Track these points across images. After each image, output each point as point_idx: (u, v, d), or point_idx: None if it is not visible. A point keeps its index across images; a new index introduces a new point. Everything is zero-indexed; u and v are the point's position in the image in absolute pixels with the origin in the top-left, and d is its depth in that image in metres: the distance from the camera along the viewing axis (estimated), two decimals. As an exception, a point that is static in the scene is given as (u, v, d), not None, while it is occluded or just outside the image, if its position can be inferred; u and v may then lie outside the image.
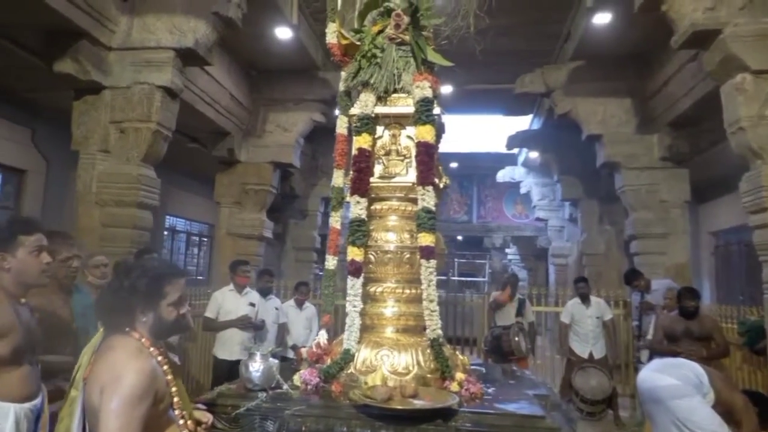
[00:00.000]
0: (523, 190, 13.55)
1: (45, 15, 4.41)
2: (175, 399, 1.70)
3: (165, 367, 1.69)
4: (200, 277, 12.92)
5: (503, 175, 13.91)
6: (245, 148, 8.04)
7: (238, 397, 2.26)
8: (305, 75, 7.68)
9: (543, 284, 11.85)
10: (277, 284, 7.78)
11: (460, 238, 18.67)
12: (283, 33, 6.57)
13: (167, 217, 12.02)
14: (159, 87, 4.99)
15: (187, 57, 5.15)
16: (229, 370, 4.38)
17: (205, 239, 13.83)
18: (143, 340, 1.66)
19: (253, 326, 4.91)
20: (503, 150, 12.19)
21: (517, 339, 5.74)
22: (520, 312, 6.13)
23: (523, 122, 11.54)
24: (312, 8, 6.69)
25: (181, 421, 1.70)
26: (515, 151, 12.87)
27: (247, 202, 8.07)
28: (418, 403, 2.11)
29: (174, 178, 11.25)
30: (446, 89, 8.66)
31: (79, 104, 5.12)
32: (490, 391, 2.49)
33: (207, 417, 1.93)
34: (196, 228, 13.69)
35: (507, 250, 18.38)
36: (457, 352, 2.86)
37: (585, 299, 6.22)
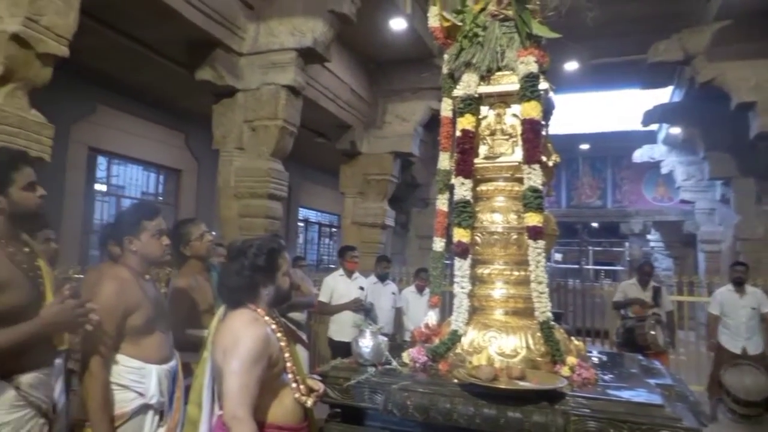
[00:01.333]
0: (664, 170, 12.39)
1: (187, 29, 4.99)
2: (288, 364, 1.87)
3: (279, 335, 1.87)
4: (332, 266, 13.67)
5: (641, 155, 12.83)
6: (366, 140, 8.34)
7: (349, 370, 2.40)
8: (421, 64, 7.73)
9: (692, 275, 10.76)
10: (400, 271, 8.01)
11: (594, 224, 17.56)
12: (398, 24, 6.69)
13: (300, 209, 12.91)
14: (283, 86, 5.38)
15: (308, 56, 5.49)
16: (347, 352, 4.56)
17: (335, 229, 14.59)
18: (258, 310, 1.85)
19: (363, 309, 5.11)
20: (639, 127, 11.22)
21: (653, 332, 5.26)
22: (656, 301, 5.61)
23: (663, 95, 10.50)
24: (425, -4, 6.71)
25: (294, 385, 1.86)
26: (654, 127, 11.78)
27: (370, 191, 8.37)
28: (524, 384, 2.08)
29: (306, 173, 12.05)
30: (571, 66, 8.19)
31: (218, 107, 5.71)
32: (606, 377, 2.37)
33: (319, 386, 2.09)
34: (326, 218, 14.52)
35: (648, 237, 16.88)
36: (572, 338, 2.74)
37: (739, 286, 5.54)
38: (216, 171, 5.85)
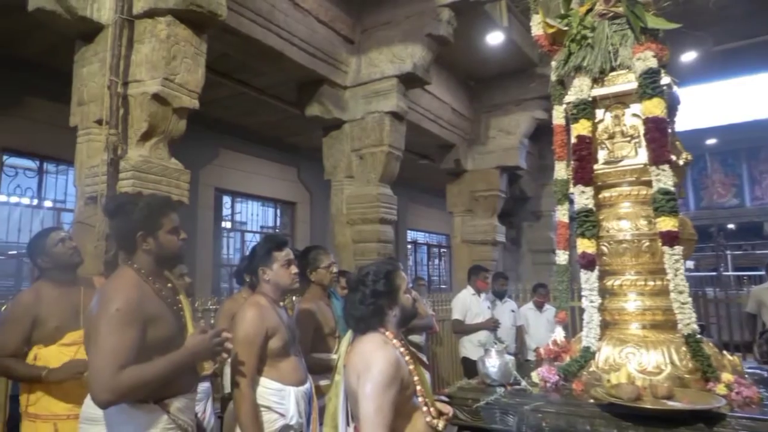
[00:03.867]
0: (814, 159, 10.94)
1: (295, 70, 5.34)
2: (418, 387, 1.87)
3: (407, 357, 1.88)
4: (443, 286, 13.60)
5: (783, 144, 11.45)
6: (471, 157, 8.28)
7: (477, 391, 2.35)
8: (523, 74, 7.56)
9: None
10: (515, 288, 7.76)
11: (731, 226, 15.83)
12: (496, 38, 6.61)
13: (409, 231, 13.04)
14: (387, 113, 5.54)
15: (408, 81, 5.61)
16: None
17: (444, 249, 14.53)
18: (387, 333, 1.88)
19: (495, 328, 5.02)
20: (778, 114, 10.04)
21: None
22: None
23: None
24: (521, 6, 6.57)
25: (425, 408, 1.85)
26: (796, 112, 10.48)
27: (478, 208, 8.26)
28: (674, 404, 1.90)
29: (413, 195, 12.20)
30: (688, 57, 7.55)
31: (327, 140, 6.00)
32: (772, 396, 2.10)
33: (447, 409, 2.05)
34: (435, 239, 14.53)
35: (801, 236, 14.91)
36: (725, 352, 2.47)
37: None
38: (326, 200, 6.12)
